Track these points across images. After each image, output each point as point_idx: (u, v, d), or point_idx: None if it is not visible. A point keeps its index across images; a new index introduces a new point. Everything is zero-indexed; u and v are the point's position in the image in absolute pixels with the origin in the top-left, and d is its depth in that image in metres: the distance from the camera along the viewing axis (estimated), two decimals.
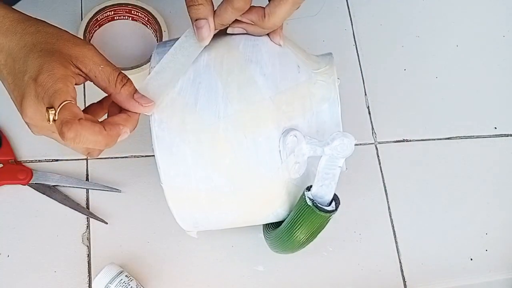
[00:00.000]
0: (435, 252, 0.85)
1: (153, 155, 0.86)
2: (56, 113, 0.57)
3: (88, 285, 0.78)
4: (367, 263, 0.83)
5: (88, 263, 0.79)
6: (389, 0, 1.01)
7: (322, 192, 0.65)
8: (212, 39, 0.66)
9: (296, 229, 0.68)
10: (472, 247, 0.86)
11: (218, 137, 0.65)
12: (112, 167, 0.85)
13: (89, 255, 0.80)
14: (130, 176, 0.84)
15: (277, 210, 0.70)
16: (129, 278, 0.76)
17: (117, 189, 0.82)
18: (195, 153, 0.65)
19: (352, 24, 0.98)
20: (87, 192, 0.83)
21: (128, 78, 0.64)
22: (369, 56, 0.96)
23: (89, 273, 0.79)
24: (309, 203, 0.65)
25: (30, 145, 0.84)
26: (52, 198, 0.81)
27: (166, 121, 0.65)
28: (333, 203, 0.66)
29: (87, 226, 0.81)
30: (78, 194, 0.82)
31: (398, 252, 0.84)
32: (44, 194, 0.81)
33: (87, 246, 0.80)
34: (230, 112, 0.64)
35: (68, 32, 0.64)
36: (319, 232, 0.69)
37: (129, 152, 0.86)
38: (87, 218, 0.81)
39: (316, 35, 0.97)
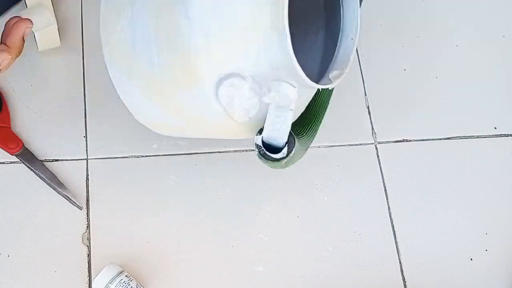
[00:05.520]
0: (435, 252, 0.85)
1: (154, 155, 0.86)
2: None
3: (88, 285, 0.78)
4: (367, 263, 0.83)
5: (88, 263, 0.79)
6: (389, 0, 1.01)
7: (274, 135, 0.59)
8: None
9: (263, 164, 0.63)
10: (472, 247, 0.86)
11: (158, 86, 0.60)
12: (112, 167, 0.85)
13: (89, 255, 0.80)
14: (130, 176, 0.84)
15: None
16: (129, 278, 0.76)
17: (80, 206, 0.82)
18: (145, 98, 0.62)
19: None
20: (87, 189, 0.83)
21: None
22: (369, 56, 0.96)
23: (89, 273, 0.79)
24: (256, 152, 0.60)
25: (30, 145, 0.84)
26: (37, 172, 0.82)
27: (116, 63, 0.62)
28: (286, 147, 0.59)
29: (87, 226, 0.81)
30: (78, 190, 0.83)
31: (398, 252, 0.84)
32: (31, 166, 0.82)
33: (87, 246, 0.80)
34: (163, 62, 0.57)
35: None
36: (293, 162, 0.63)
37: (129, 152, 0.86)
38: (87, 218, 0.81)
39: None
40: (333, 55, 0.65)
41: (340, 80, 0.63)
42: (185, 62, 0.57)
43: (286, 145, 0.59)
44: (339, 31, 0.65)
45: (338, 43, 0.65)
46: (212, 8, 0.55)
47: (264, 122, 0.60)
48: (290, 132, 0.58)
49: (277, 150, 0.59)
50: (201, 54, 0.56)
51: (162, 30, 0.57)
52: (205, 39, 0.56)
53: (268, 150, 0.59)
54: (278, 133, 0.59)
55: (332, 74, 0.64)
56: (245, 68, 0.57)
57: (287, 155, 0.59)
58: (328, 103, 0.72)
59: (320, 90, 0.70)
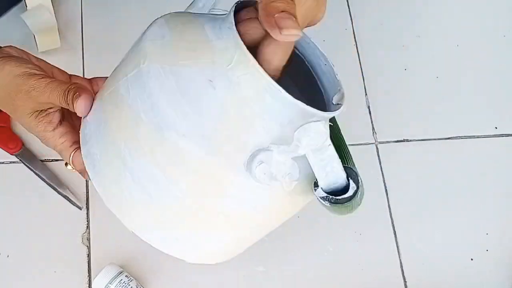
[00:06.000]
0: (435, 252, 0.85)
1: None
2: (72, 167, 0.60)
3: (88, 285, 0.78)
4: (367, 263, 0.83)
5: (88, 263, 0.79)
6: (389, 0, 1.01)
7: (331, 179, 0.53)
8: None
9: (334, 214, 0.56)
10: (472, 247, 0.86)
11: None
12: None
13: (89, 255, 0.80)
14: None
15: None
16: (129, 278, 0.76)
17: (80, 206, 0.82)
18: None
19: (352, 24, 0.98)
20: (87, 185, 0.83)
21: (75, 87, 0.59)
22: (369, 56, 0.96)
23: (89, 273, 0.79)
24: (326, 204, 0.54)
25: (30, 145, 0.84)
26: (37, 172, 0.82)
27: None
28: (350, 181, 0.53)
29: (87, 226, 0.81)
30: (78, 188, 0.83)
31: (398, 252, 0.84)
32: (31, 166, 0.82)
33: (87, 246, 0.80)
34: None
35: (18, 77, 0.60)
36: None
37: None
38: (87, 218, 0.81)
39: (316, 35, 0.96)
40: (319, 88, 0.62)
41: (345, 99, 0.60)
42: (201, 178, 0.53)
43: (349, 178, 0.53)
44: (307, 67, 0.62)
45: (315, 75, 0.63)
46: (194, 114, 0.51)
47: (314, 175, 0.54)
48: (343, 166, 0.53)
49: (343, 191, 0.53)
50: (212, 160, 0.51)
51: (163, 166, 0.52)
52: (206, 140, 0.51)
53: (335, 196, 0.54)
54: (333, 174, 0.53)
55: (334, 99, 0.60)
56: (261, 141, 0.52)
57: (357, 186, 0.53)
58: (337, 122, 0.69)
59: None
